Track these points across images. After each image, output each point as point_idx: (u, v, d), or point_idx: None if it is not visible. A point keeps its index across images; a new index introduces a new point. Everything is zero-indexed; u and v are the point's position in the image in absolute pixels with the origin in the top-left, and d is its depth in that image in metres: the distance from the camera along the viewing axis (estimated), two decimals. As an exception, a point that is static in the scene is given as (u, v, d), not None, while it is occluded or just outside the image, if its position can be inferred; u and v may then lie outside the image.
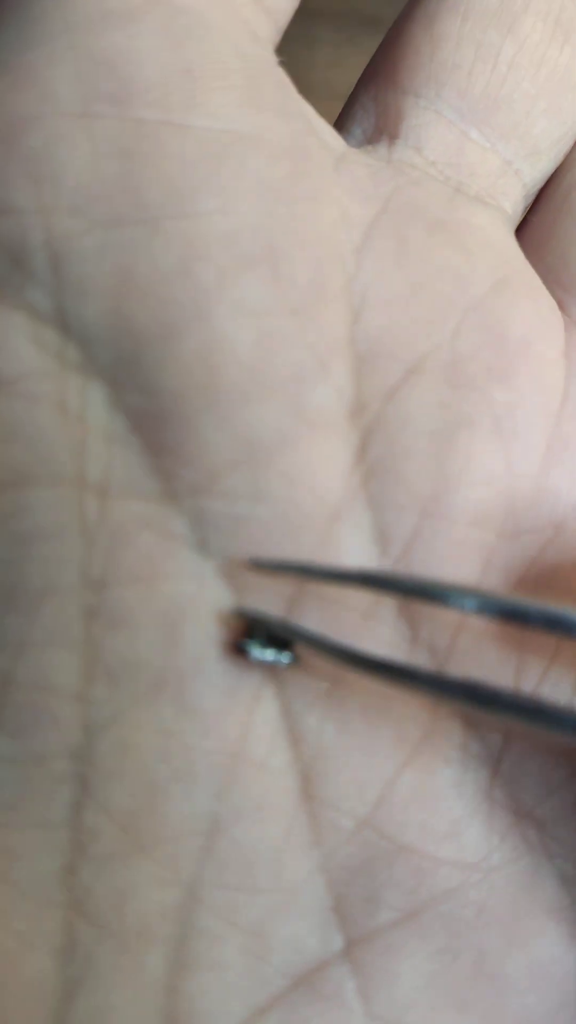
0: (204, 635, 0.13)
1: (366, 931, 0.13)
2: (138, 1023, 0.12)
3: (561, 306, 0.14)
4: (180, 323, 0.12)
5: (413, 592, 0.12)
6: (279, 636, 0.13)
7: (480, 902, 0.13)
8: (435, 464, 0.13)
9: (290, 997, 0.13)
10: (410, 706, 0.13)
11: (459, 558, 0.13)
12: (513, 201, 0.15)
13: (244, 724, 0.13)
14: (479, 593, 0.12)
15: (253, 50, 0.13)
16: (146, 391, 0.12)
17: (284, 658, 0.13)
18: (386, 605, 0.13)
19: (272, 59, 0.14)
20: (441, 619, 0.13)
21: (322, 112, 0.28)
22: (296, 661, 0.13)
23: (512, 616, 0.12)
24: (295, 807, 0.13)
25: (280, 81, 0.14)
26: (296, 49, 0.29)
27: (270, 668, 0.13)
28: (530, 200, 0.15)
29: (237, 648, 0.13)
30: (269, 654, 0.13)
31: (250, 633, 0.13)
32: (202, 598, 0.13)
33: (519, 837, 0.13)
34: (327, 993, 0.13)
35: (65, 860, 0.12)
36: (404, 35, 0.15)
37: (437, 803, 0.13)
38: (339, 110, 0.28)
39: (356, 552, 0.13)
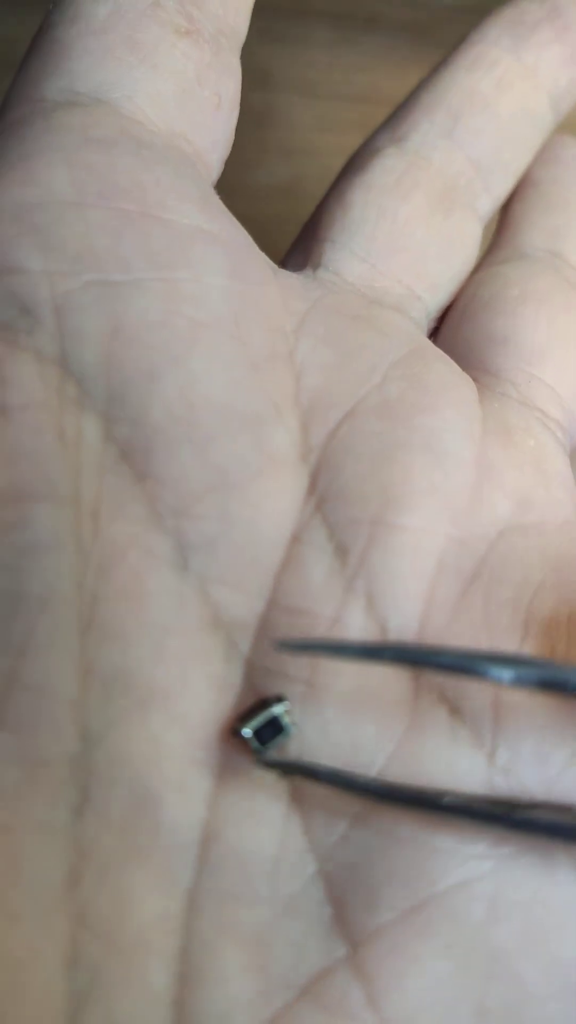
0: (188, 650, 0.13)
1: (367, 933, 0.13)
2: None
3: (476, 379, 0.17)
4: (162, 365, 0.14)
5: (448, 667, 0.13)
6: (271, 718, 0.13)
7: (491, 896, 0.13)
8: (378, 481, 0.15)
9: (295, 1008, 0.12)
10: (391, 692, 0.14)
11: (413, 561, 0.14)
12: (417, 318, 0.18)
13: (232, 735, 0.13)
14: (516, 663, 0.12)
15: (199, 176, 0.16)
16: (134, 423, 0.14)
17: (284, 736, 0.13)
18: (353, 609, 0.14)
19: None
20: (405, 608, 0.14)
21: (321, 112, 0.29)
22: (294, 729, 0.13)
23: (550, 686, 0.12)
24: (286, 812, 0.13)
25: (220, 203, 0.17)
26: (295, 49, 0.29)
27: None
28: (433, 321, 0.19)
29: (235, 732, 0.13)
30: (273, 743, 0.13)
31: (245, 717, 0.13)
32: (184, 615, 0.14)
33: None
34: (332, 1003, 0.12)
35: (69, 867, 0.13)
36: (321, 208, 0.19)
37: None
38: (337, 110, 0.28)
39: (319, 567, 0.14)
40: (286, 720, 0.13)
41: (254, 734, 0.13)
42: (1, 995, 0.12)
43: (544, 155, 0.20)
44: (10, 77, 0.17)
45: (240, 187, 0.28)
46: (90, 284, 0.14)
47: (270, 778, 0.13)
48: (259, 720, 0.13)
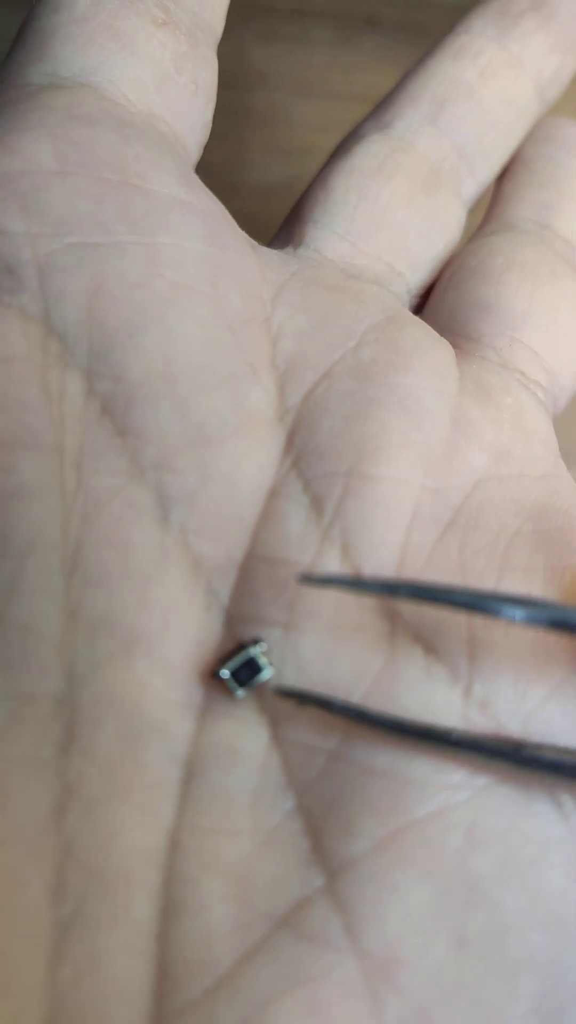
0: (170, 597, 0.14)
1: (344, 862, 0.13)
2: (131, 970, 0.12)
3: (457, 346, 0.18)
4: (142, 323, 0.15)
5: (461, 604, 0.13)
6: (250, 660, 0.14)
7: (468, 824, 0.13)
8: (353, 436, 0.15)
9: (273, 939, 0.13)
10: (366, 633, 0.14)
11: (388, 510, 0.15)
12: (397, 292, 0.18)
13: (212, 677, 0.14)
14: (526, 604, 0.13)
15: (178, 155, 0.17)
16: (116, 379, 0.14)
17: (265, 676, 0.14)
18: (329, 557, 0.14)
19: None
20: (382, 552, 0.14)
21: (319, 111, 0.29)
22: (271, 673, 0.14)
23: (560, 626, 0.13)
24: (266, 749, 0.14)
25: (198, 180, 0.17)
26: (294, 49, 0.29)
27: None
28: (415, 298, 0.19)
29: (215, 676, 0.14)
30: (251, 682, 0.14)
31: (224, 660, 0.14)
32: (166, 564, 0.14)
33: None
34: (310, 932, 0.13)
35: (54, 800, 0.13)
36: (305, 193, 0.19)
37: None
38: (337, 110, 0.28)
39: (296, 519, 0.15)
40: (263, 660, 0.14)
41: (232, 675, 0.14)
42: None
43: (537, 135, 0.21)
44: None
45: (240, 187, 0.28)
46: (72, 246, 0.15)
47: (251, 717, 0.14)
48: (236, 661, 0.14)
